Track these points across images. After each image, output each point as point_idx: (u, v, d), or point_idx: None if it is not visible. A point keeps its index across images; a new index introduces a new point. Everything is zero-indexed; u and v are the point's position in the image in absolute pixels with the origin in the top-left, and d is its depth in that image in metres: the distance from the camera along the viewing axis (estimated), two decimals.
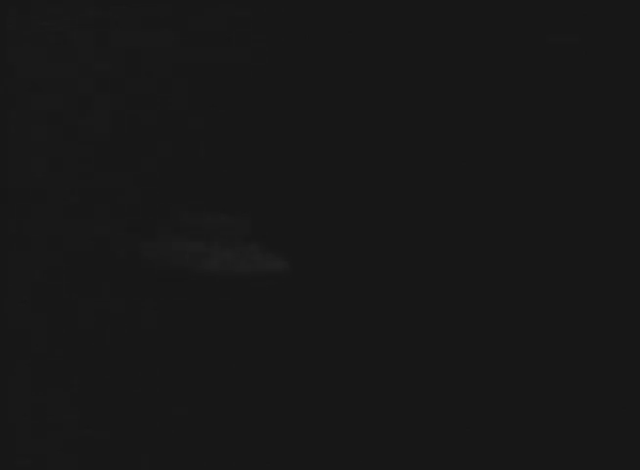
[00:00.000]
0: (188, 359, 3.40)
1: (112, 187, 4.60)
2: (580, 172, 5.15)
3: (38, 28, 6.56)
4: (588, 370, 3.46)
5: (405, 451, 2.98)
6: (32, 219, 4.24)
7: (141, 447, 2.92)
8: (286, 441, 3.03)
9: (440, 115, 5.71)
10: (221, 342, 3.52)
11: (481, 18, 7.33)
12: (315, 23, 6.89)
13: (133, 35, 6.71)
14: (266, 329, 3.63)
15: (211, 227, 4.08)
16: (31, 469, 2.66)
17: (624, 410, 3.23)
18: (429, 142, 5.38)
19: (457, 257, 4.31)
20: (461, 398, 3.27)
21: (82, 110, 5.35)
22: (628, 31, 6.92)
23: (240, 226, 4.09)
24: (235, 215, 4.23)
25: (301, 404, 3.22)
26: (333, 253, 4.33)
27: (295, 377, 3.38)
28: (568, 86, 6.23)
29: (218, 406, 3.17)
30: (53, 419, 2.92)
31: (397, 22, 7.37)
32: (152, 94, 5.67)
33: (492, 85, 6.23)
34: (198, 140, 5.22)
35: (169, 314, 3.66)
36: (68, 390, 3.14)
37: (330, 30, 6.94)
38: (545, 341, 3.62)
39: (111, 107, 5.42)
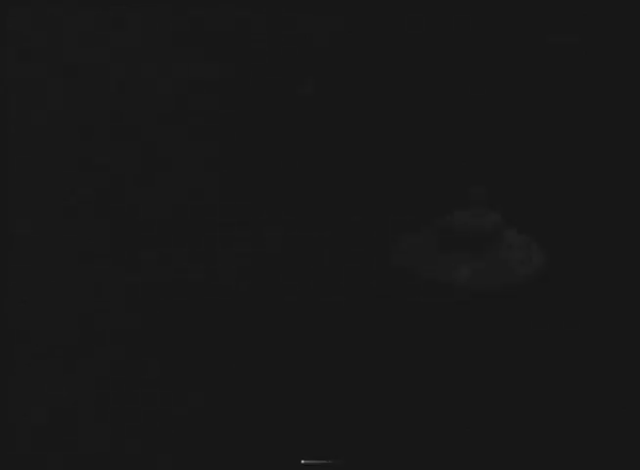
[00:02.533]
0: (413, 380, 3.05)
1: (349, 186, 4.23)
2: (580, 172, 5.15)
3: (38, 28, 6.56)
4: (588, 369, 3.46)
5: None
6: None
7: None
8: None
9: (440, 114, 5.71)
10: (464, 366, 3.13)
11: (482, 18, 7.33)
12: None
13: (134, 35, 6.71)
14: (514, 350, 3.20)
15: (461, 230, 3.64)
16: (31, 469, 2.66)
17: (624, 410, 3.23)
18: (426, 141, 5.37)
19: None
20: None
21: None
22: (628, 31, 6.92)
23: (490, 223, 3.64)
24: (484, 210, 3.75)
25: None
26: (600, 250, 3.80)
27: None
28: (568, 86, 6.22)
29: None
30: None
31: (399, 21, 7.37)
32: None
33: (493, 85, 6.23)
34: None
35: (414, 328, 3.29)
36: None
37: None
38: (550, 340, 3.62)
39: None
